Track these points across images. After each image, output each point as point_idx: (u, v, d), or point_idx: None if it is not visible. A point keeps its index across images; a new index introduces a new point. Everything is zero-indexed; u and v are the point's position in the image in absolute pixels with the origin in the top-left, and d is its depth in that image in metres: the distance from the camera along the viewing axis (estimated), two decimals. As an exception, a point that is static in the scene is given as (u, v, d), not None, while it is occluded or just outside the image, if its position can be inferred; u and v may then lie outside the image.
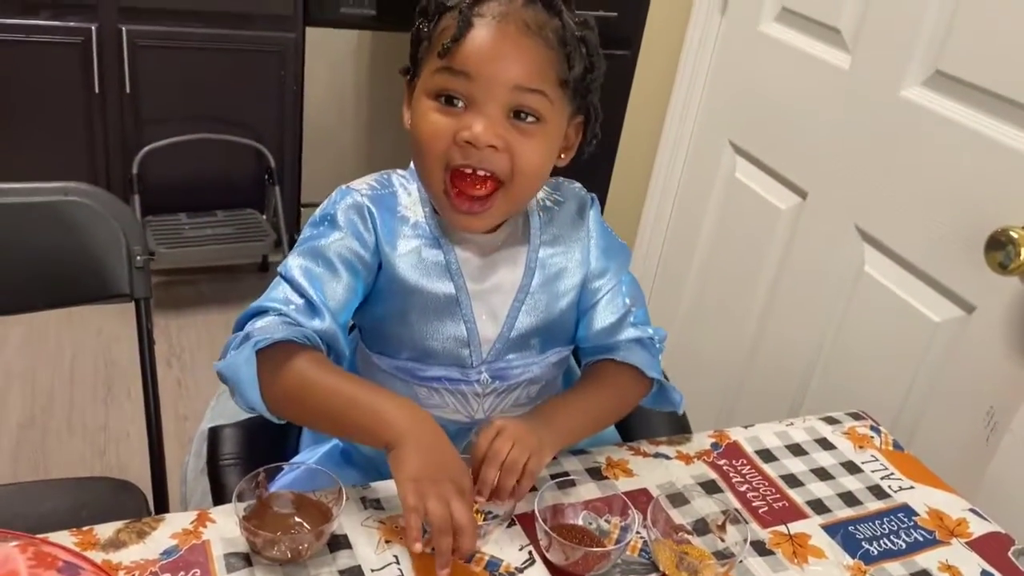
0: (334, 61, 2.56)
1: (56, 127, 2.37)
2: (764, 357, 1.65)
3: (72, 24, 2.25)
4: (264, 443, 1.04)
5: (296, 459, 1.03)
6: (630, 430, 1.12)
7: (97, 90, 2.34)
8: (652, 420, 1.12)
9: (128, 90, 2.36)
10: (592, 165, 1.03)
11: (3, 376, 2.17)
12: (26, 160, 2.35)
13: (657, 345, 1.02)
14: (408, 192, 0.95)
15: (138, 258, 1.17)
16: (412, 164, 0.99)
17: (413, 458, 0.78)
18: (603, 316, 0.99)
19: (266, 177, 2.58)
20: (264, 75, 2.51)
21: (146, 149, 2.39)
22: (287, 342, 0.83)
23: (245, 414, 1.04)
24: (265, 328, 0.84)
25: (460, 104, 0.84)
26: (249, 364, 0.81)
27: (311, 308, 0.87)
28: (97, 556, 0.74)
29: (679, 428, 1.12)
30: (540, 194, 1.00)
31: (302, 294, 0.87)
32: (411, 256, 0.92)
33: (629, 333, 0.99)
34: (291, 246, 2.83)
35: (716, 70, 1.78)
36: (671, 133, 1.89)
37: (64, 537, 0.76)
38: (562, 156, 0.92)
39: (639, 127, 2.01)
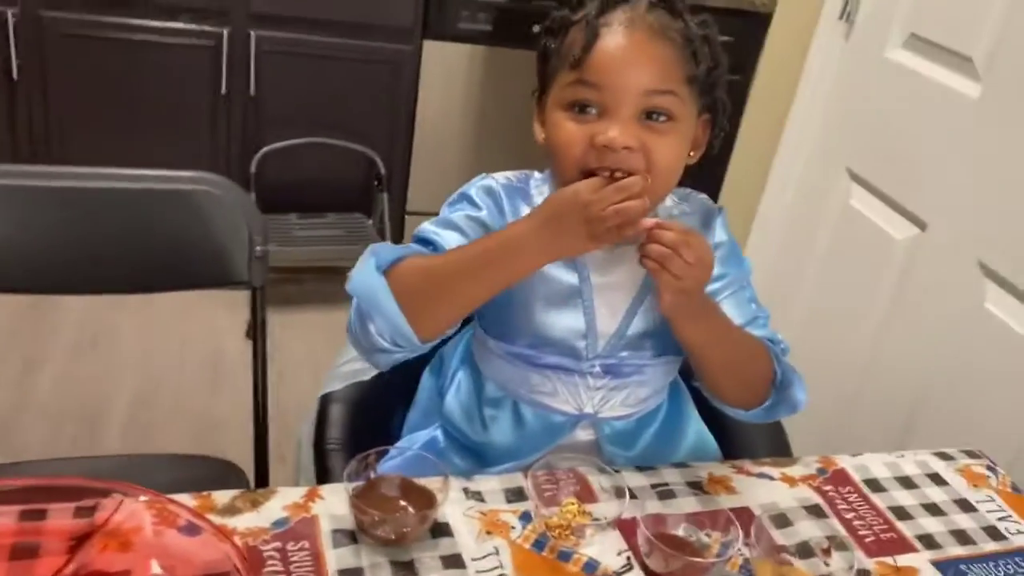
0: (448, 74, 2.62)
1: (183, 123, 2.50)
2: (873, 388, 1.60)
3: (206, 28, 2.37)
4: (368, 428, 1.07)
5: (400, 444, 1.05)
6: (731, 448, 1.10)
7: (224, 91, 2.45)
8: (753, 439, 1.10)
9: (253, 92, 2.47)
10: (699, 187, 1.02)
11: (120, 358, 2.28)
12: (154, 152, 2.47)
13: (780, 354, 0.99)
14: (541, 192, 0.97)
15: (258, 248, 1.21)
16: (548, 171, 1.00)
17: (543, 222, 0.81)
18: (731, 315, 0.96)
19: (375, 183, 2.65)
20: (380, 85, 2.58)
21: (265, 149, 2.49)
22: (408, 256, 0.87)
23: (357, 378, 1.06)
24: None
25: (593, 112, 0.85)
26: (374, 278, 0.83)
27: (435, 251, 0.90)
28: (214, 519, 0.77)
29: (778, 450, 1.10)
30: (668, 202, 1.00)
31: (428, 241, 0.91)
32: None
33: (758, 334, 0.97)
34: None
35: (836, 96, 1.75)
36: (785, 157, 1.86)
37: (186, 499, 0.79)
38: (691, 154, 0.92)
39: (750, 152, 1.99)
